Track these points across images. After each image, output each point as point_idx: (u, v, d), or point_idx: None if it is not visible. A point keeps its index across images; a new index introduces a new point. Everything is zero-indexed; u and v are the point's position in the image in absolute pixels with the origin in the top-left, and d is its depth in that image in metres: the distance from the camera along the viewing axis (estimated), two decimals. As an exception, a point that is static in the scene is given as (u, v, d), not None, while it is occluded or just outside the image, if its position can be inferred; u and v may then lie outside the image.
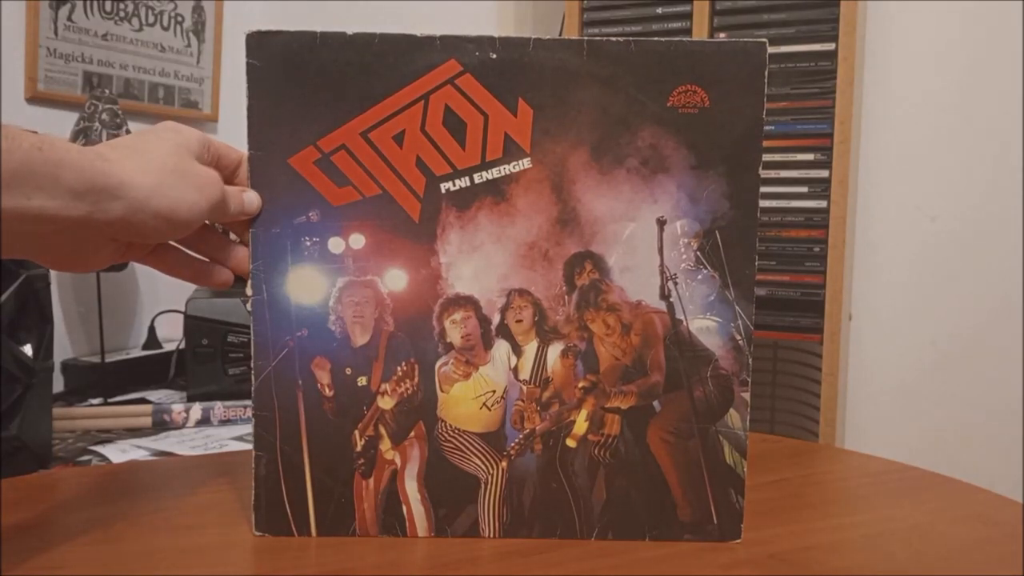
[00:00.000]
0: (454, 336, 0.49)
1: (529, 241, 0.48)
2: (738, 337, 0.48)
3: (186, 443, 1.04)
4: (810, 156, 1.35)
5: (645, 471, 0.49)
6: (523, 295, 0.48)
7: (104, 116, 1.17)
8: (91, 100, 1.18)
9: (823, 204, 1.34)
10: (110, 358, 1.34)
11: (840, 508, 0.57)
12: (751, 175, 0.48)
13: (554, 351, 0.49)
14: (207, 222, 0.48)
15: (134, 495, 0.58)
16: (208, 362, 1.21)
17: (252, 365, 0.49)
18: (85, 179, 0.38)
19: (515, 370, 0.49)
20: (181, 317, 1.23)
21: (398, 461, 0.49)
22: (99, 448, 1.01)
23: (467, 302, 0.48)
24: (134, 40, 1.46)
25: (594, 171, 0.48)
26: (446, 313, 0.48)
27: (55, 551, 0.47)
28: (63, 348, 1.35)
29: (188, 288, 1.37)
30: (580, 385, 0.49)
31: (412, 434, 0.49)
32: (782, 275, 1.37)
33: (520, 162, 0.48)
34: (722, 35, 1.39)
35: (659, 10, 1.41)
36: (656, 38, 0.48)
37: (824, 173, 1.34)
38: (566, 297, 0.48)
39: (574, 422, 0.49)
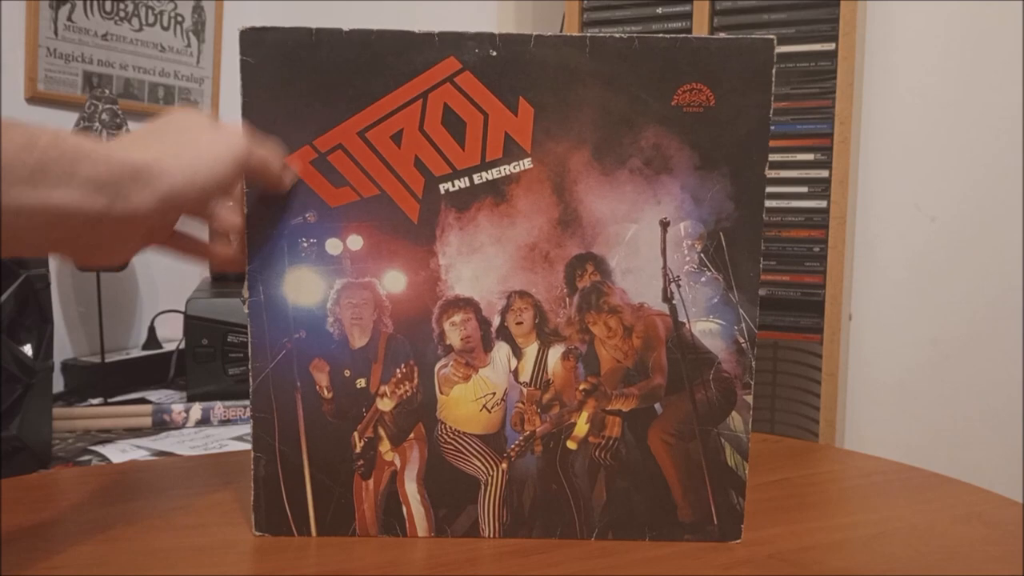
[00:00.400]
0: (454, 338, 0.48)
1: (530, 243, 0.48)
2: (741, 340, 0.48)
3: (186, 443, 1.04)
4: (810, 156, 1.35)
5: (646, 472, 0.49)
6: (523, 297, 0.48)
7: (104, 116, 1.17)
8: (91, 100, 1.18)
9: (823, 204, 1.34)
10: (110, 358, 1.33)
11: (840, 508, 0.57)
12: (757, 175, 0.47)
13: (555, 353, 0.48)
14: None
15: (134, 495, 0.58)
16: (208, 362, 1.21)
17: (250, 366, 0.49)
18: (102, 169, 0.38)
19: (515, 372, 0.49)
20: (181, 317, 1.23)
21: (398, 462, 0.49)
22: (99, 448, 1.01)
23: (467, 304, 0.48)
24: (134, 40, 1.46)
25: (596, 172, 0.47)
26: (445, 315, 0.48)
27: (55, 551, 0.47)
28: (63, 348, 1.35)
29: (188, 288, 1.37)
30: (581, 387, 0.49)
31: (412, 435, 0.49)
32: (782, 275, 1.37)
33: (521, 162, 0.47)
34: (722, 35, 1.38)
35: (659, 10, 1.41)
36: (660, 35, 0.47)
37: (824, 173, 1.34)
38: (567, 299, 0.48)
39: (575, 424, 0.49)
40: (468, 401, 0.49)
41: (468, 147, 0.47)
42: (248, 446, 1.02)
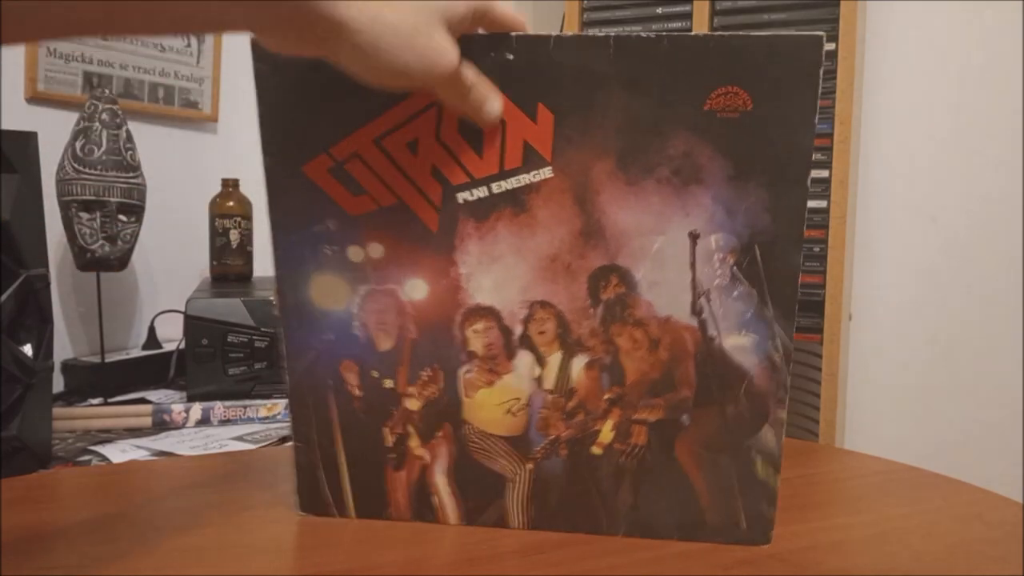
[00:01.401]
0: (476, 345, 0.48)
1: (551, 253, 0.46)
2: (775, 355, 0.46)
3: (186, 443, 1.04)
4: (810, 156, 1.35)
5: (673, 480, 0.48)
6: (545, 307, 0.47)
7: (104, 116, 1.17)
8: (91, 100, 1.18)
9: (823, 204, 1.34)
10: (110, 358, 1.33)
11: (840, 508, 0.57)
12: (798, 187, 0.43)
13: (579, 363, 0.48)
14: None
15: (134, 495, 0.58)
16: (208, 362, 1.21)
17: (285, 365, 0.50)
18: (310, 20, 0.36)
19: (539, 380, 0.48)
20: (181, 317, 1.23)
21: (427, 457, 0.50)
22: (99, 448, 1.01)
23: (488, 313, 0.48)
24: (134, 40, 1.46)
25: (620, 181, 0.45)
26: (467, 323, 0.48)
27: (55, 551, 0.47)
28: (63, 348, 1.35)
29: (188, 288, 1.37)
30: (605, 396, 0.48)
31: (440, 433, 0.50)
32: (782, 275, 1.37)
33: (540, 171, 0.45)
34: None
35: (659, 10, 1.41)
36: (693, 33, 0.44)
37: (824, 173, 1.34)
38: (591, 310, 0.47)
39: (599, 431, 0.49)
40: (493, 405, 0.49)
41: (486, 156, 0.46)
42: (248, 446, 1.02)
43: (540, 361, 0.48)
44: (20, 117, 1.27)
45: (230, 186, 1.48)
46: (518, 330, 0.48)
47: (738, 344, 0.46)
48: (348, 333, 0.49)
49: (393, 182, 0.47)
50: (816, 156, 1.35)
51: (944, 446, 1.51)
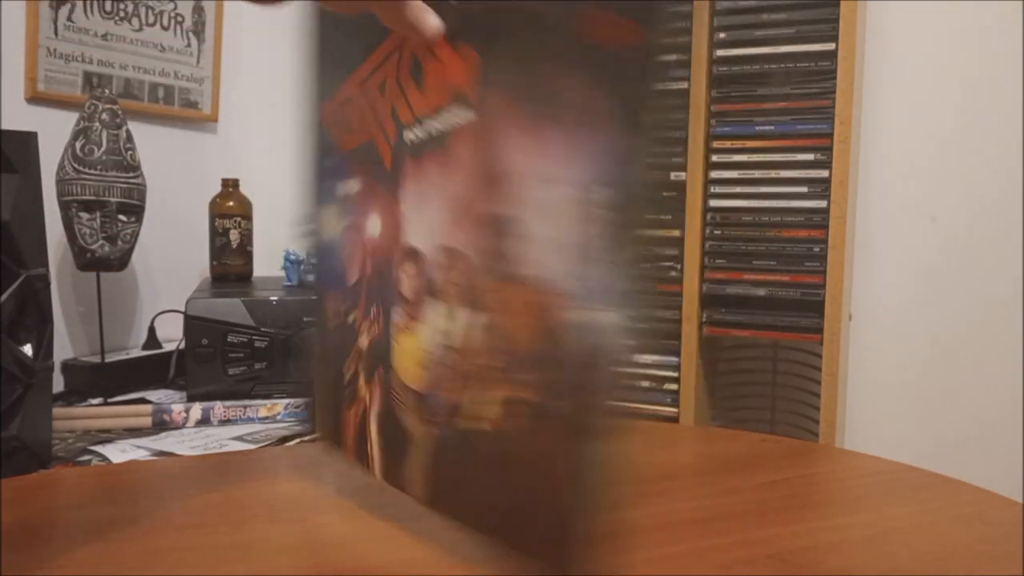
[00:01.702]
0: (405, 288, 0.47)
1: (463, 198, 0.43)
2: (628, 339, 0.34)
3: (186, 443, 1.04)
4: (810, 156, 1.35)
5: (529, 471, 0.40)
6: (456, 256, 0.44)
7: (104, 116, 1.17)
8: (91, 100, 1.18)
9: (823, 204, 1.34)
10: (110, 358, 1.33)
11: (840, 508, 0.57)
12: (642, 138, 0.34)
13: (476, 321, 0.42)
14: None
15: (134, 495, 0.58)
16: (208, 362, 1.21)
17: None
18: None
19: (444, 333, 0.45)
20: (181, 317, 1.23)
21: (368, 400, 0.51)
22: (99, 448, 1.01)
23: (416, 255, 0.47)
24: (134, 40, 1.46)
25: (525, 126, 0.39)
26: (401, 264, 0.48)
27: (55, 551, 0.47)
28: (63, 348, 1.35)
29: (188, 288, 1.37)
30: (489, 363, 0.42)
31: (376, 376, 0.50)
32: (782, 275, 1.37)
33: (463, 112, 0.43)
34: (722, 34, 1.39)
35: (659, 10, 1.41)
36: None
37: (824, 173, 1.34)
38: (491, 264, 0.41)
39: (484, 404, 0.42)
40: (409, 354, 0.47)
41: (426, 96, 0.46)
42: (248, 446, 1.01)
43: (448, 313, 0.44)
44: (20, 117, 1.27)
45: (230, 186, 1.48)
46: (434, 276, 0.45)
47: (597, 320, 0.36)
48: (334, 264, 0.53)
49: (368, 121, 0.50)
50: (816, 156, 1.34)
51: (944, 446, 1.51)
